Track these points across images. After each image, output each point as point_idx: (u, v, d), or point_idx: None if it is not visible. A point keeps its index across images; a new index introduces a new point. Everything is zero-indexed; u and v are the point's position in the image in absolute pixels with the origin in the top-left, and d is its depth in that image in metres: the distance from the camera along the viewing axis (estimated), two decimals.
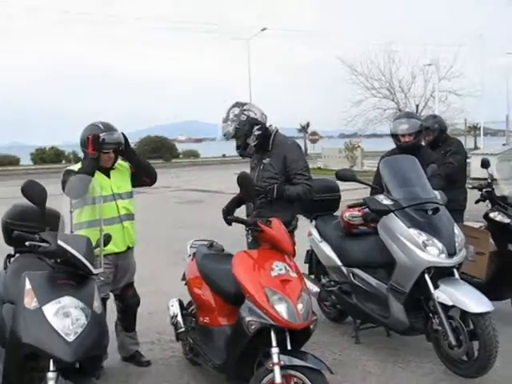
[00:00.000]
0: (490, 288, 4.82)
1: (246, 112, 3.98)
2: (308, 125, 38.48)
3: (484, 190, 4.93)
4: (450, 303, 3.63)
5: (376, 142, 40.13)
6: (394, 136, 4.98)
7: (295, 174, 3.98)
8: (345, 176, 4.21)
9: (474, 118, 28.15)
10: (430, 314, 3.81)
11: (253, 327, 3.10)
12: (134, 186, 4.22)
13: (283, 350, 3.08)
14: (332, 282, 4.69)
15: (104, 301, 3.79)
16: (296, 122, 41.37)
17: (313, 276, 5.13)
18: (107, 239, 3.42)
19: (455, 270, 3.85)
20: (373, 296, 4.23)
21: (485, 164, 4.98)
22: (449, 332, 3.65)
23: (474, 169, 18.25)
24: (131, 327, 4.35)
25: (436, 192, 4.11)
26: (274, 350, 3.06)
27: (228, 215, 3.46)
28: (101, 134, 3.84)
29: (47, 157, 40.92)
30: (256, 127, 3.98)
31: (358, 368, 4.16)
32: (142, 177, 4.20)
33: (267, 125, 4.08)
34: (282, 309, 3.06)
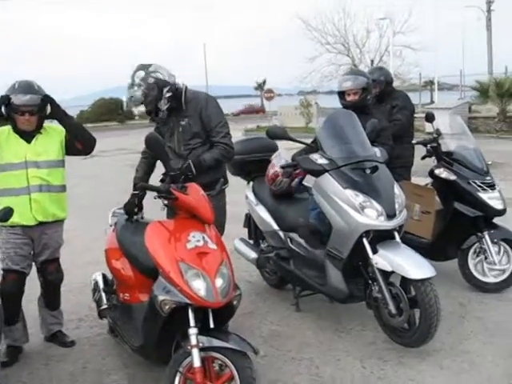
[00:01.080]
0: (436, 248, 4.62)
1: (152, 74, 3.55)
2: (264, 82, 37.82)
3: (429, 145, 4.65)
4: (389, 269, 3.36)
5: (334, 99, 39.76)
6: (340, 94, 4.61)
7: (211, 131, 3.62)
8: (275, 134, 3.84)
9: (428, 73, 28.02)
10: (369, 281, 3.54)
11: (167, 307, 2.77)
12: (68, 153, 3.84)
13: (204, 330, 2.78)
14: (270, 248, 4.38)
15: (18, 274, 3.60)
16: (253, 80, 40.66)
17: (252, 241, 4.83)
18: (8, 213, 3.04)
19: (396, 233, 3.58)
20: (310, 262, 3.94)
21: (429, 118, 4.69)
22: (388, 300, 3.39)
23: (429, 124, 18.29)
24: (53, 305, 3.97)
25: (376, 149, 3.80)
26: (192, 331, 2.74)
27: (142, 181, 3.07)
28: (11, 95, 3.50)
29: None
30: (165, 89, 3.55)
31: (295, 338, 3.89)
32: (75, 143, 3.78)
33: (176, 84, 3.67)
34: (198, 285, 2.73)
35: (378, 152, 3.77)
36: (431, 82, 38.46)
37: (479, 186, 4.35)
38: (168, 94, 3.54)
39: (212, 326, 2.83)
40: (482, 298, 4.38)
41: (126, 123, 37.97)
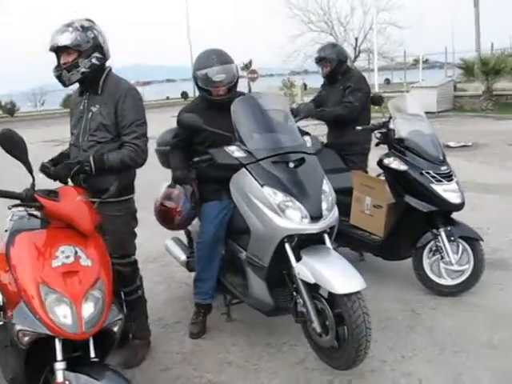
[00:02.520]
0: (388, 246, 4.15)
1: (96, 31, 3.00)
2: (250, 63, 37.01)
3: (377, 131, 4.13)
4: (311, 281, 2.85)
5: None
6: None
7: (123, 129, 3.04)
8: (188, 123, 3.28)
9: (413, 51, 27.41)
10: (295, 293, 3.04)
11: (26, 338, 2.27)
12: None
13: (83, 362, 2.33)
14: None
15: None
16: (240, 60, 39.80)
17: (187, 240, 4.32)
18: None
19: (326, 237, 3.07)
20: (236, 268, 3.44)
21: (376, 100, 4.15)
22: (312, 316, 2.90)
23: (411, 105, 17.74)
24: None
25: (306, 138, 3.27)
26: (58, 366, 2.27)
27: None
28: None
29: None
30: (96, 54, 3.00)
31: (218, 355, 3.41)
32: None
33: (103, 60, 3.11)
34: (60, 313, 2.23)
35: (308, 141, 3.25)
36: (421, 60, 37.85)
37: (433, 177, 3.84)
38: (92, 61, 2.98)
39: (93, 355, 2.35)
40: (437, 302, 3.90)
41: None
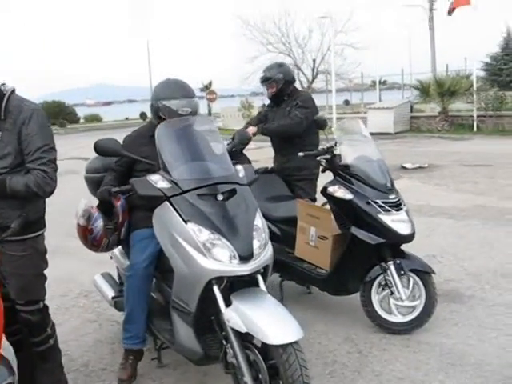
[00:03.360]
0: (335, 280, 3.85)
1: None
2: (210, 84, 36.83)
3: (321, 157, 3.85)
4: (242, 329, 2.51)
5: None
6: None
7: (28, 155, 2.67)
8: (104, 149, 2.92)
9: (370, 72, 27.67)
10: (224, 341, 2.68)
11: None
12: None
13: None
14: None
15: None
16: (200, 81, 39.57)
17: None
18: None
19: (260, 278, 2.74)
20: (163, 311, 3.07)
21: (320, 124, 3.88)
22: (244, 369, 2.54)
23: (372, 124, 17.78)
24: None
25: (239, 167, 2.95)
26: None
27: None
28: None
29: None
30: None
31: None
32: None
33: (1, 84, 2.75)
34: None
35: (240, 171, 2.92)
36: (380, 82, 38.36)
37: (381, 207, 3.57)
38: None
39: None
40: (387, 342, 3.60)
41: (66, 127, 36.59)
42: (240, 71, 26.01)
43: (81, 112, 54.68)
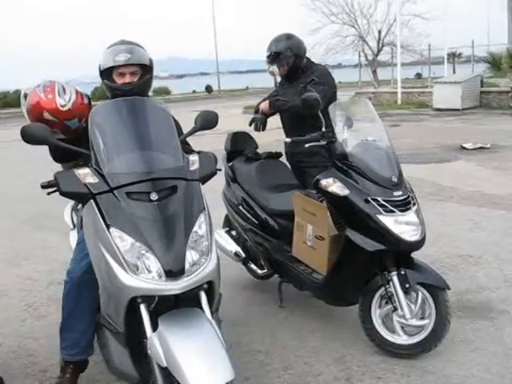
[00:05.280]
0: (331, 288, 3.27)
1: None
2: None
3: (309, 144, 3.24)
4: (163, 364, 2.02)
5: (343, 72, 38.16)
6: None
7: None
8: (32, 136, 2.45)
9: (438, 43, 25.93)
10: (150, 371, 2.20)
11: None
12: None
13: None
14: None
15: None
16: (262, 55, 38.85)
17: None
18: None
19: (203, 296, 2.23)
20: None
21: (310, 105, 3.24)
22: None
23: (439, 99, 16.58)
24: None
25: (193, 158, 2.42)
26: None
27: None
28: None
29: (11, 100, 38.94)
30: None
31: None
32: None
33: None
34: None
35: (194, 163, 2.39)
36: (453, 54, 36.21)
37: (382, 206, 2.93)
38: None
39: None
40: (385, 367, 3.00)
41: None
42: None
43: (154, 84, 55.56)
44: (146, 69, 2.87)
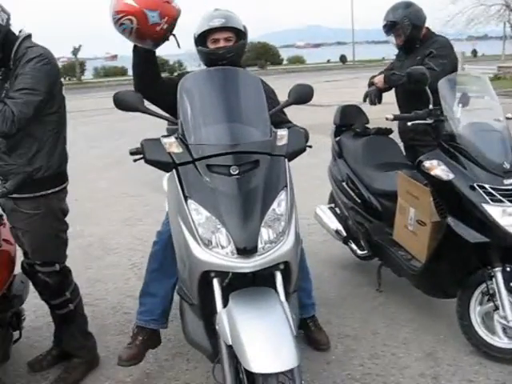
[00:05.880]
0: (428, 278, 3.08)
1: None
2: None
3: (412, 122, 2.99)
4: (228, 341, 2.00)
5: (495, 43, 35.32)
6: None
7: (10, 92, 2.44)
8: (124, 102, 2.47)
9: None
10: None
11: None
12: None
13: None
14: None
15: None
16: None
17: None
18: None
19: (279, 276, 2.14)
20: None
21: (416, 79, 2.99)
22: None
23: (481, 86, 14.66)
24: None
25: (282, 132, 2.32)
26: None
27: None
28: None
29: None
30: None
31: None
32: None
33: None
34: None
35: (282, 138, 2.30)
36: None
37: (489, 194, 2.66)
38: None
39: None
40: (478, 371, 2.74)
41: (266, 68, 37.56)
42: (441, 13, 23.42)
43: (290, 53, 55.66)
44: (240, 35, 2.80)
